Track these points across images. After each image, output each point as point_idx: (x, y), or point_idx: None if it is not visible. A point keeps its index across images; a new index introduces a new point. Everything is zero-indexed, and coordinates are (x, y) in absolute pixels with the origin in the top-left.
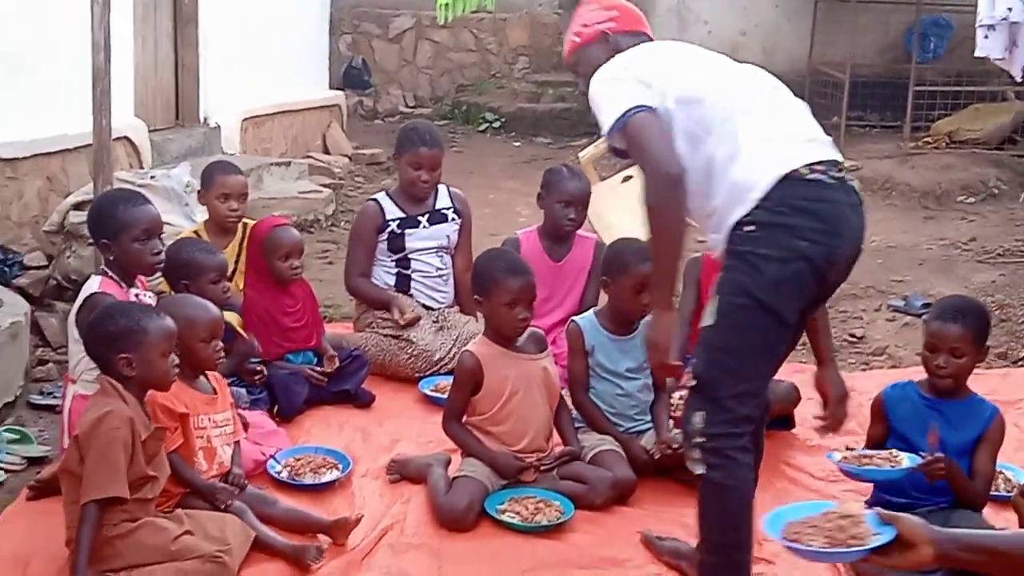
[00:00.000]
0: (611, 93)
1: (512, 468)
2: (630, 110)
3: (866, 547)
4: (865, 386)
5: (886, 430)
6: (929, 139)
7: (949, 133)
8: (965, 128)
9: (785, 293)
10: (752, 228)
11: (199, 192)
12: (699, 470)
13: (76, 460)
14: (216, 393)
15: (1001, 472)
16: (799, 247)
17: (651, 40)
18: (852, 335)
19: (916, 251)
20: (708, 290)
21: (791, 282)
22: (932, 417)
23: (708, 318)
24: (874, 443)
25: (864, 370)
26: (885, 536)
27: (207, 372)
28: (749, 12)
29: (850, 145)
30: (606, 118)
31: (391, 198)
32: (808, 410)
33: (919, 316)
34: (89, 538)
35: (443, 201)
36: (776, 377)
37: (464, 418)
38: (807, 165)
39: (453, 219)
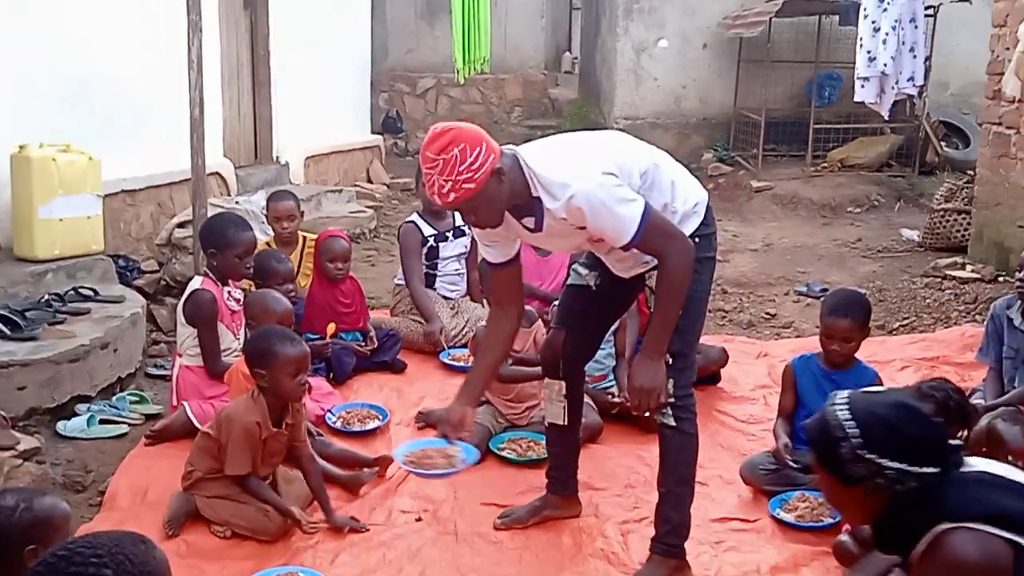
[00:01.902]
0: (616, 210)
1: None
2: (643, 216)
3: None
4: (777, 351)
5: (795, 399)
6: (825, 164)
7: (840, 160)
8: (852, 156)
9: (710, 279)
10: (697, 239)
11: (266, 215)
12: (670, 423)
13: (218, 430)
14: None
15: None
16: (715, 248)
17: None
18: (767, 313)
19: (816, 249)
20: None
21: (712, 271)
22: (829, 387)
23: None
24: (785, 411)
25: (777, 339)
26: (471, 458)
27: None
28: (688, 71)
29: (766, 170)
30: (625, 233)
31: (423, 218)
32: (731, 371)
33: (818, 298)
34: (253, 491)
35: (460, 219)
36: (709, 343)
37: None
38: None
39: (468, 232)
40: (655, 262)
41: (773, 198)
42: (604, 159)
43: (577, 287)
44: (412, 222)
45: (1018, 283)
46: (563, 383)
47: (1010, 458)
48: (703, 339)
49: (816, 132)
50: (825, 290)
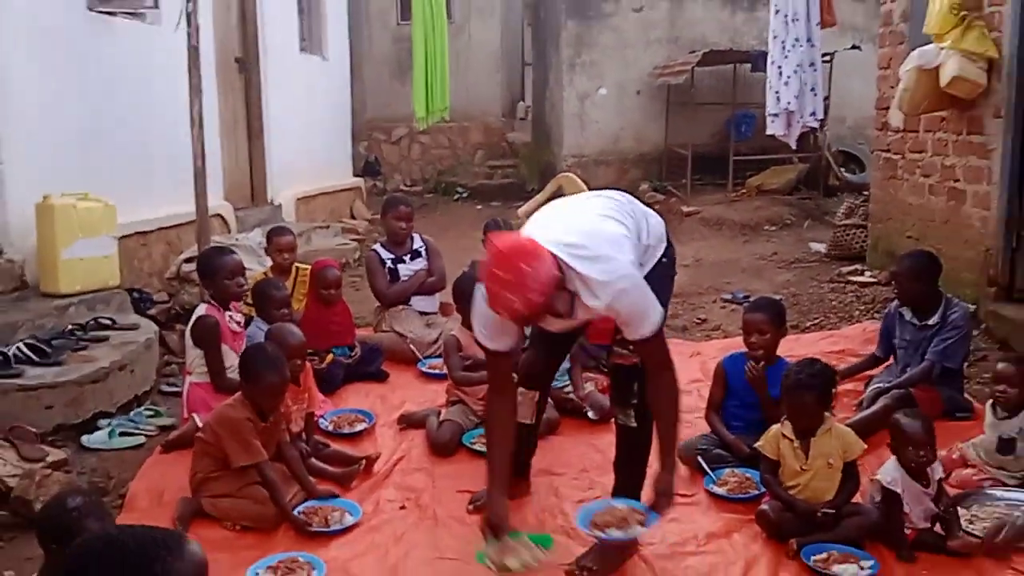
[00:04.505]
0: (645, 311)
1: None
2: (661, 321)
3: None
4: (707, 351)
5: (724, 390)
6: (744, 190)
7: (757, 186)
8: (767, 182)
9: (671, 294)
10: (664, 260)
11: (265, 248)
12: (632, 423)
13: (209, 433)
14: (300, 385)
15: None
16: (675, 268)
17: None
18: (699, 318)
19: (738, 263)
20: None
21: (672, 287)
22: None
23: None
24: (715, 402)
25: (707, 340)
26: (652, 519)
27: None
28: (625, 114)
29: (694, 197)
30: (645, 330)
31: (383, 247)
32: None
33: (741, 304)
34: (269, 480)
35: (416, 243)
36: None
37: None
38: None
39: (423, 254)
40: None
41: (701, 220)
42: (623, 244)
43: None
44: (374, 250)
45: (894, 289)
46: (537, 393)
47: (911, 448)
48: None
49: (736, 163)
50: (747, 297)
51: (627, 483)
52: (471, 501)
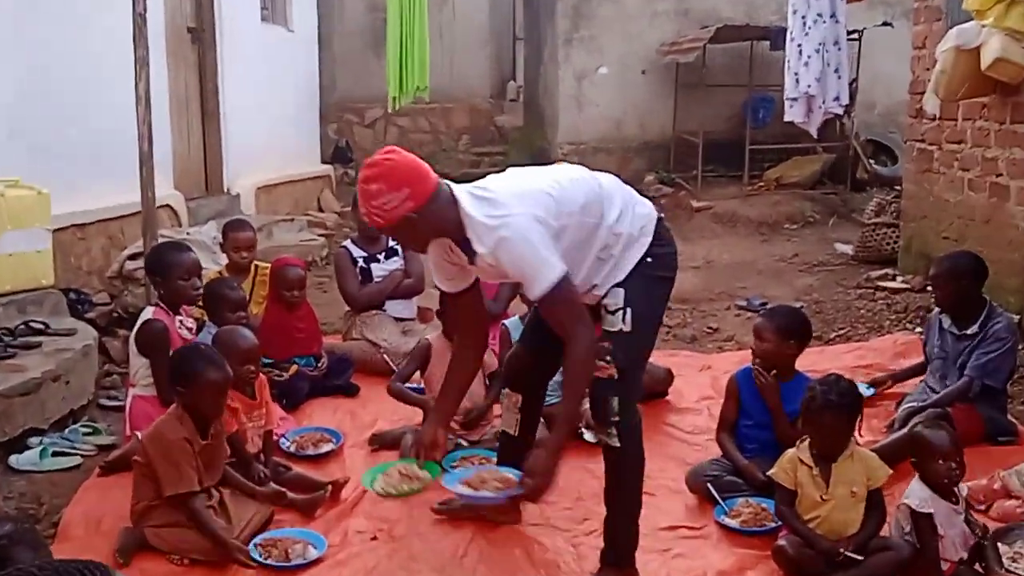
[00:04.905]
0: (532, 267)
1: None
2: (556, 284)
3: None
4: (720, 364)
5: (737, 408)
6: (762, 183)
7: (776, 178)
8: (788, 174)
9: (665, 302)
10: (650, 260)
11: (220, 243)
12: (615, 443)
13: (143, 454)
14: (255, 398)
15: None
16: (674, 267)
17: (444, 186)
18: (710, 327)
19: (755, 265)
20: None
21: (670, 290)
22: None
23: (622, 325)
24: (728, 422)
25: (719, 352)
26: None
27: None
28: (628, 96)
29: (705, 190)
30: (532, 290)
31: (355, 243)
32: (676, 384)
33: (757, 312)
34: (195, 513)
35: (392, 240)
36: (655, 363)
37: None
38: (655, 210)
39: (400, 253)
40: (601, 292)
41: (713, 217)
42: (537, 199)
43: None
44: (344, 247)
45: (932, 295)
46: (520, 396)
47: (940, 462)
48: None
49: (752, 152)
50: (764, 304)
51: (614, 517)
52: (438, 502)
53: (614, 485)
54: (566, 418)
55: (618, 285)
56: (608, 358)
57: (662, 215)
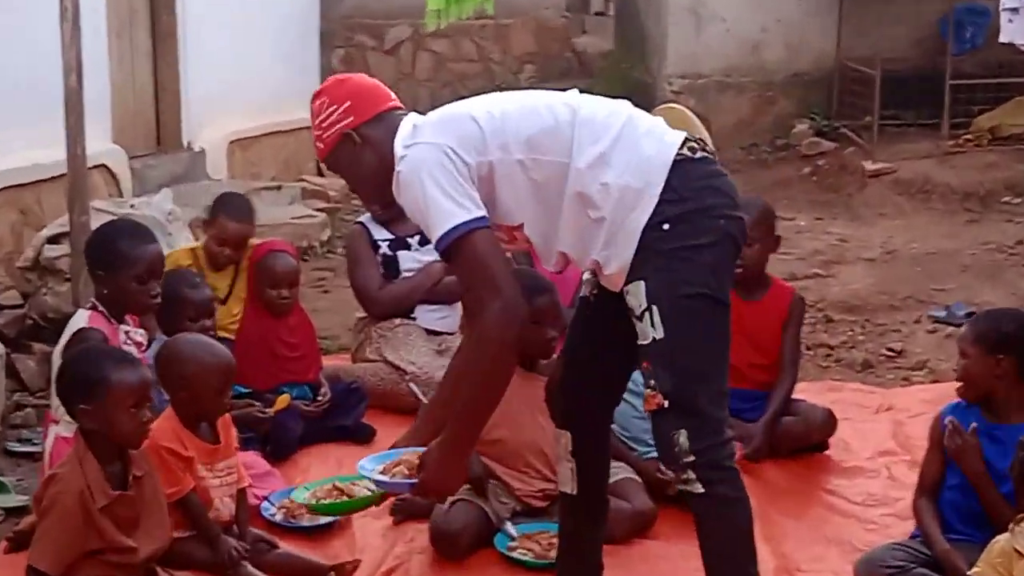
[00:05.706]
0: (427, 204)
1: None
2: (452, 231)
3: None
4: (905, 403)
5: (943, 462)
6: (969, 136)
7: (991, 129)
8: (1008, 123)
9: (721, 276)
10: (667, 225)
11: (204, 221)
12: (698, 489)
13: (38, 510)
14: (219, 442)
15: None
16: (721, 226)
17: (401, 110)
18: (890, 349)
19: (958, 257)
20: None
21: (724, 263)
22: (989, 447)
23: (653, 331)
24: (930, 480)
25: (904, 385)
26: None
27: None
28: (770, 7)
29: (884, 146)
30: (431, 234)
31: (376, 220)
32: (842, 432)
33: (960, 327)
34: None
35: None
36: (812, 403)
37: None
38: (684, 145)
39: None
40: (610, 271)
41: (895, 185)
42: (457, 127)
43: (581, 300)
44: (360, 223)
45: None
46: (568, 435)
47: None
48: (800, 392)
49: (956, 91)
50: (970, 315)
51: None
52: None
53: (710, 554)
54: (463, 403)
55: (638, 277)
56: (653, 383)
57: (701, 154)
